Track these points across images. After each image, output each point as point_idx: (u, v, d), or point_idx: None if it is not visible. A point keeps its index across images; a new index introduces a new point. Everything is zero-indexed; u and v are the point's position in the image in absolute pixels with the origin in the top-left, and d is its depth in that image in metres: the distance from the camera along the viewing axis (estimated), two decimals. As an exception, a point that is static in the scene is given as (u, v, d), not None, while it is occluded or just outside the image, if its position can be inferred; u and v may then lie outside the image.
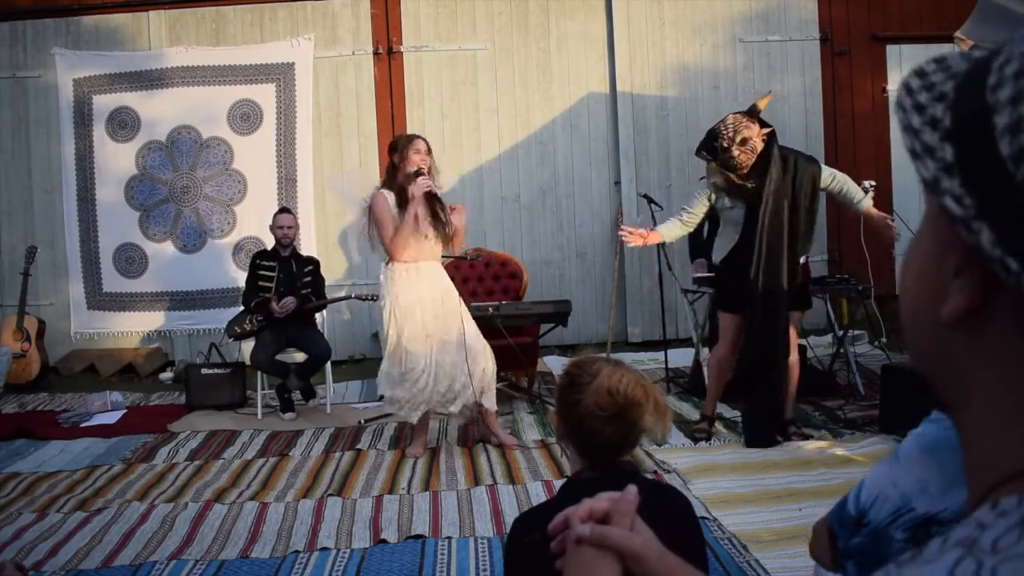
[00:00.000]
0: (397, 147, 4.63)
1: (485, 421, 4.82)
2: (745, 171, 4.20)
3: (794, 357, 4.53)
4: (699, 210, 4.51)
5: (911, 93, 0.55)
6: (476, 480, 4.25)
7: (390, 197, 4.55)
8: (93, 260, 7.38)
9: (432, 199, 4.58)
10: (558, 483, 4.02)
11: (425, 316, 4.56)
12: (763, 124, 4.25)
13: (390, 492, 4.12)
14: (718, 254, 4.66)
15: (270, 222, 5.95)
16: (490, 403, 4.73)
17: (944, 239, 0.54)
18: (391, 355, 4.58)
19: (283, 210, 6.01)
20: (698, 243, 5.90)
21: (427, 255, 4.62)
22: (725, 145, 4.17)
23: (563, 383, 1.72)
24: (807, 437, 4.59)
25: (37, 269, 7.08)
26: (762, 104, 4.34)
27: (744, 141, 4.14)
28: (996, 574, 0.45)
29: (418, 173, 4.48)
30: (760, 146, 4.18)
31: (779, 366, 4.42)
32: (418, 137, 4.68)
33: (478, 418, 4.90)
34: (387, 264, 4.62)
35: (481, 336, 4.72)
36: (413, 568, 3.25)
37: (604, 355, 1.86)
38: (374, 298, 5.97)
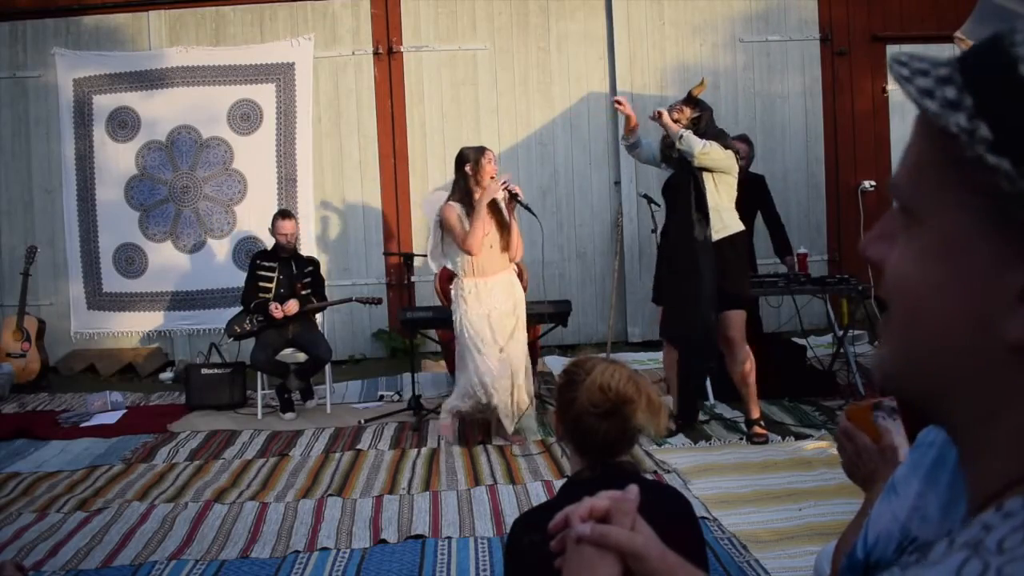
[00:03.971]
0: (468, 159, 4.72)
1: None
2: (673, 147, 4.66)
3: (745, 365, 4.59)
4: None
5: (909, 79, 0.53)
6: (476, 480, 4.25)
7: (458, 207, 4.67)
8: (93, 260, 7.38)
9: (497, 210, 4.74)
10: (558, 483, 4.02)
11: (496, 330, 4.65)
12: (697, 108, 4.67)
13: (390, 492, 4.12)
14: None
15: (270, 223, 5.94)
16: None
17: (992, 256, 0.50)
18: (466, 369, 4.68)
19: (285, 215, 5.95)
20: None
21: (496, 267, 4.73)
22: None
23: (561, 382, 1.73)
24: (766, 439, 4.60)
25: (37, 269, 7.07)
26: (696, 91, 4.74)
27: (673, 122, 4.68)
28: (1002, 575, 0.45)
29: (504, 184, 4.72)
30: (686, 127, 4.62)
31: (695, 344, 4.60)
32: (488, 148, 4.82)
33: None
34: (457, 279, 4.76)
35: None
36: (413, 568, 3.25)
37: (603, 355, 1.87)
38: (376, 301, 5.99)
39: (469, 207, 4.67)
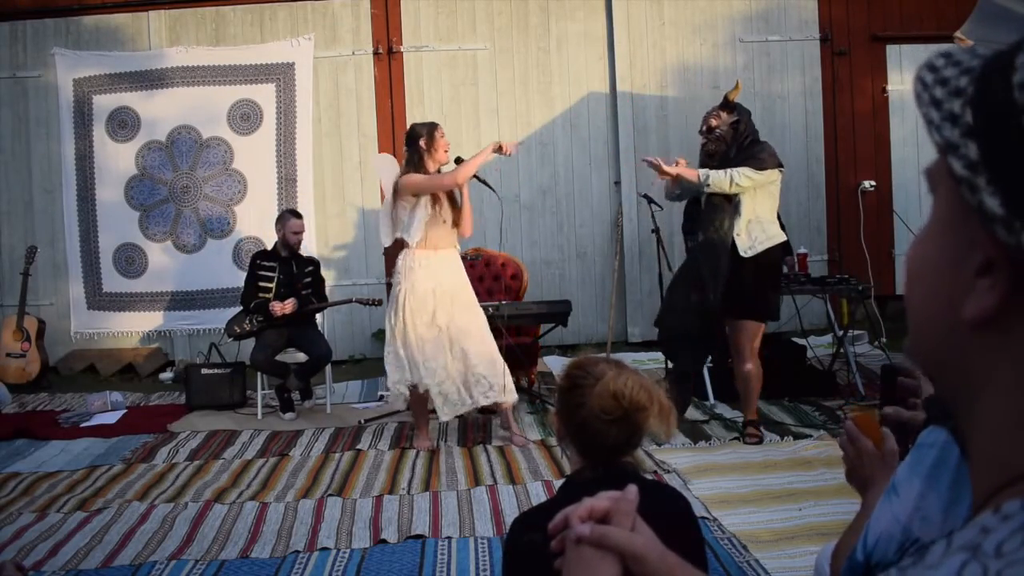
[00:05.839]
0: (421, 134, 4.72)
1: (503, 417, 4.88)
2: (714, 156, 4.52)
3: (749, 367, 4.52)
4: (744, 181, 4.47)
5: (927, 87, 0.55)
6: (476, 480, 4.25)
7: (417, 175, 4.66)
8: (93, 260, 7.38)
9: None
10: (558, 483, 4.02)
11: (438, 308, 4.64)
12: (735, 112, 4.50)
13: (390, 492, 4.12)
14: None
15: (272, 222, 5.93)
16: (512, 397, 4.81)
17: (966, 236, 0.53)
18: (404, 343, 4.65)
19: (295, 214, 5.92)
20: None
21: (446, 242, 4.74)
22: (700, 134, 4.63)
23: (565, 385, 1.70)
24: (759, 439, 4.59)
25: (37, 269, 7.07)
26: (732, 95, 4.56)
27: (710, 130, 4.52)
28: None
29: (459, 159, 4.73)
30: (726, 132, 4.48)
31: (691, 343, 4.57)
32: (438, 123, 4.84)
33: (479, 416, 4.96)
34: (408, 250, 4.70)
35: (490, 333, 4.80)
36: (413, 568, 3.25)
37: (604, 356, 1.85)
38: (376, 302, 5.98)
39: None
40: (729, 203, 4.42)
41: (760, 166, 4.38)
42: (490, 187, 4.85)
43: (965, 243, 0.53)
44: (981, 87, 0.52)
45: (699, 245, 4.56)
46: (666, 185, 4.71)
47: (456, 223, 4.76)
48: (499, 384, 4.68)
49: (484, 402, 4.73)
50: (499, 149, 4.61)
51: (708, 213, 4.50)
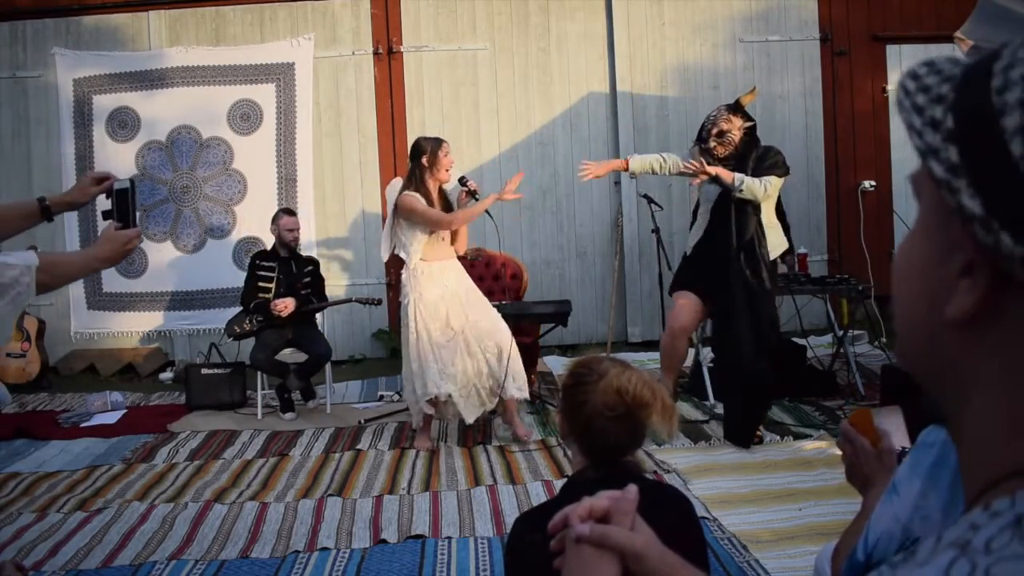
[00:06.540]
0: (424, 150, 4.69)
1: (507, 411, 4.87)
2: (727, 160, 4.46)
3: None
4: (674, 163, 4.61)
5: (908, 94, 0.56)
6: (476, 480, 4.25)
7: (418, 195, 4.63)
8: (93, 260, 7.37)
9: (447, 205, 4.79)
10: (558, 483, 4.02)
11: (451, 311, 4.65)
12: (747, 118, 4.46)
13: (390, 492, 4.13)
14: (692, 240, 4.79)
15: (270, 222, 5.94)
16: (521, 393, 4.80)
17: (948, 238, 0.54)
18: (419, 355, 4.64)
19: (288, 212, 5.97)
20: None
21: (444, 254, 4.77)
22: (704, 135, 4.53)
23: (569, 383, 1.71)
24: (759, 439, 4.58)
25: (37, 269, 7.06)
26: (746, 100, 4.52)
27: (721, 134, 4.44)
28: (990, 575, 0.45)
29: (462, 180, 4.77)
30: (738, 138, 4.43)
31: (757, 365, 4.41)
32: (445, 140, 4.78)
33: (493, 412, 4.98)
34: (410, 264, 4.69)
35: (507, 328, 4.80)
36: (413, 568, 3.25)
37: (608, 355, 1.86)
38: (375, 302, 5.99)
39: (427, 198, 4.66)
40: (755, 211, 4.44)
41: (781, 174, 4.43)
42: (492, 218, 4.78)
43: (947, 246, 0.54)
44: (961, 93, 0.53)
45: (758, 263, 4.40)
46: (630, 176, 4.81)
47: (453, 240, 4.80)
48: (514, 378, 4.69)
49: (494, 400, 4.75)
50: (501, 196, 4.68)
51: (742, 221, 4.43)
